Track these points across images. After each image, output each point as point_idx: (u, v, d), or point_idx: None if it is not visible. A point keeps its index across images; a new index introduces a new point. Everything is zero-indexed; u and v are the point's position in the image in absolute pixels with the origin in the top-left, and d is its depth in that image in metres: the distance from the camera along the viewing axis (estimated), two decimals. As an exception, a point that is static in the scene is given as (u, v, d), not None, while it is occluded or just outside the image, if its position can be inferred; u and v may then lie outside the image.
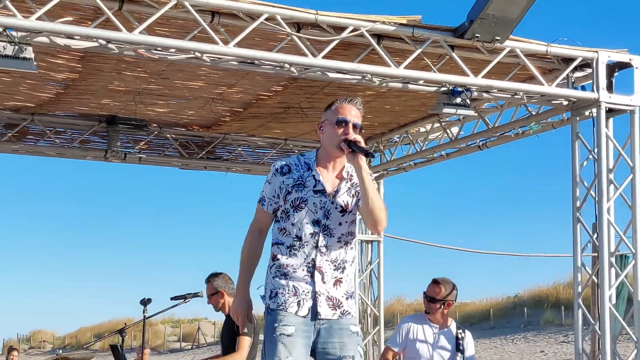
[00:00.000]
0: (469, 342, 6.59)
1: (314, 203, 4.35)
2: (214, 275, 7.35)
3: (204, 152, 9.22)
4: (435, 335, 6.52)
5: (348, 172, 4.47)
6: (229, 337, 7.35)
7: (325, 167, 4.41)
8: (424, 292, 6.68)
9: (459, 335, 6.55)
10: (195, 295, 6.72)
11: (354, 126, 4.32)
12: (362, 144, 4.33)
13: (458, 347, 6.51)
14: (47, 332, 68.66)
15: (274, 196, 4.41)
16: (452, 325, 6.58)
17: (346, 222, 4.40)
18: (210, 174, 9.56)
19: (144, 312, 6.01)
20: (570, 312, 35.68)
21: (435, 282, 6.58)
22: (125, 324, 6.96)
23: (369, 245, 9.35)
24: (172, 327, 54.56)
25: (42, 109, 8.24)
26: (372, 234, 9.25)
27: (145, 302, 6.03)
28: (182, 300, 6.48)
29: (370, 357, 8.37)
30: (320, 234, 4.36)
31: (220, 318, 7.75)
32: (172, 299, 6.33)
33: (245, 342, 7.30)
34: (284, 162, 4.41)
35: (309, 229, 4.35)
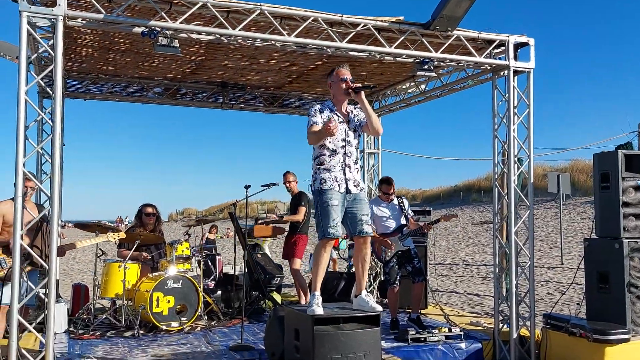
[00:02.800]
0: (405, 202, 6.75)
1: (341, 128, 4.56)
2: (289, 172, 7.47)
3: (276, 103, 9.16)
4: (388, 207, 6.66)
5: (350, 109, 4.69)
6: (294, 207, 7.51)
7: (338, 108, 4.66)
8: (381, 190, 6.72)
9: (399, 202, 6.71)
10: (274, 184, 6.78)
11: (350, 80, 4.67)
12: (361, 85, 4.60)
13: (401, 208, 6.66)
14: (191, 208, 70.85)
15: (321, 122, 4.61)
16: (394, 199, 6.64)
17: (356, 137, 4.68)
18: (280, 115, 9.56)
19: (246, 193, 6.05)
20: (487, 194, 35.69)
21: (389, 182, 6.66)
22: (236, 200, 7.05)
23: (373, 155, 9.32)
24: (261, 205, 55.47)
25: (185, 78, 8.24)
26: (375, 148, 9.28)
27: (246, 187, 6.06)
28: (267, 187, 6.52)
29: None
30: (346, 146, 4.57)
31: (288, 199, 7.84)
32: (261, 186, 6.41)
33: (302, 209, 7.51)
34: (319, 106, 4.77)
35: (340, 143, 4.61)
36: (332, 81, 4.72)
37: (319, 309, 4.37)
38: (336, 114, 4.64)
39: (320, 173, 4.59)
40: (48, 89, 4.95)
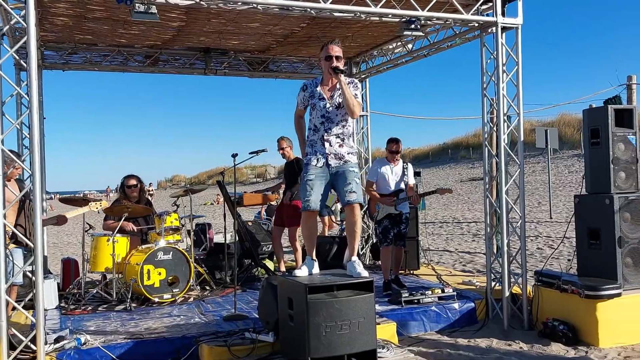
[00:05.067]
0: (409, 168, 6.80)
1: (319, 106, 4.62)
2: (283, 137, 7.35)
3: (261, 67, 8.97)
4: (392, 169, 6.68)
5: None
6: (292, 175, 7.34)
7: (326, 85, 4.78)
8: (388, 149, 6.74)
9: (404, 166, 6.73)
10: (263, 150, 6.65)
11: (337, 57, 4.67)
12: (340, 67, 4.60)
13: (404, 172, 6.69)
14: (180, 175, 71.20)
15: (301, 101, 4.85)
16: (400, 162, 6.71)
17: (341, 113, 4.71)
18: (266, 80, 9.38)
19: (234, 161, 5.95)
20: (476, 151, 35.87)
21: (396, 141, 6.69)
22: (224, 168, 6.96)
23: (362, 117, 9.21)
24: (250, 170, 55.50)
25: (165, 45, 8.02)
26: (363, 110, 9.17)
27: (234, 155, 5.96)
28: (256, 154, 6.41)
29: (363, 182, 8.39)
30: (325, 122, 4.65)
31: (278, 164, 7.75)
32: (250, 153, 6.31)
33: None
34: (304, 83, 4.84)
35: (319, 119, 4.74)
36: (321, 57, 4.77)
37: (299, 272, 4.59)
38: (319, 90, 4.71)
39: (307, 147, 4.79)
40: (23, 62, 4.75)
